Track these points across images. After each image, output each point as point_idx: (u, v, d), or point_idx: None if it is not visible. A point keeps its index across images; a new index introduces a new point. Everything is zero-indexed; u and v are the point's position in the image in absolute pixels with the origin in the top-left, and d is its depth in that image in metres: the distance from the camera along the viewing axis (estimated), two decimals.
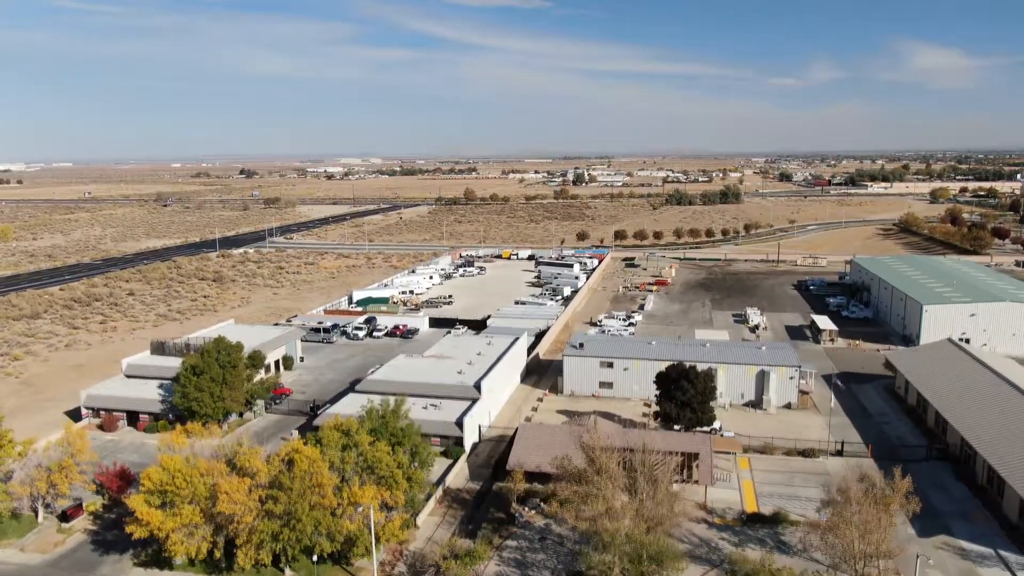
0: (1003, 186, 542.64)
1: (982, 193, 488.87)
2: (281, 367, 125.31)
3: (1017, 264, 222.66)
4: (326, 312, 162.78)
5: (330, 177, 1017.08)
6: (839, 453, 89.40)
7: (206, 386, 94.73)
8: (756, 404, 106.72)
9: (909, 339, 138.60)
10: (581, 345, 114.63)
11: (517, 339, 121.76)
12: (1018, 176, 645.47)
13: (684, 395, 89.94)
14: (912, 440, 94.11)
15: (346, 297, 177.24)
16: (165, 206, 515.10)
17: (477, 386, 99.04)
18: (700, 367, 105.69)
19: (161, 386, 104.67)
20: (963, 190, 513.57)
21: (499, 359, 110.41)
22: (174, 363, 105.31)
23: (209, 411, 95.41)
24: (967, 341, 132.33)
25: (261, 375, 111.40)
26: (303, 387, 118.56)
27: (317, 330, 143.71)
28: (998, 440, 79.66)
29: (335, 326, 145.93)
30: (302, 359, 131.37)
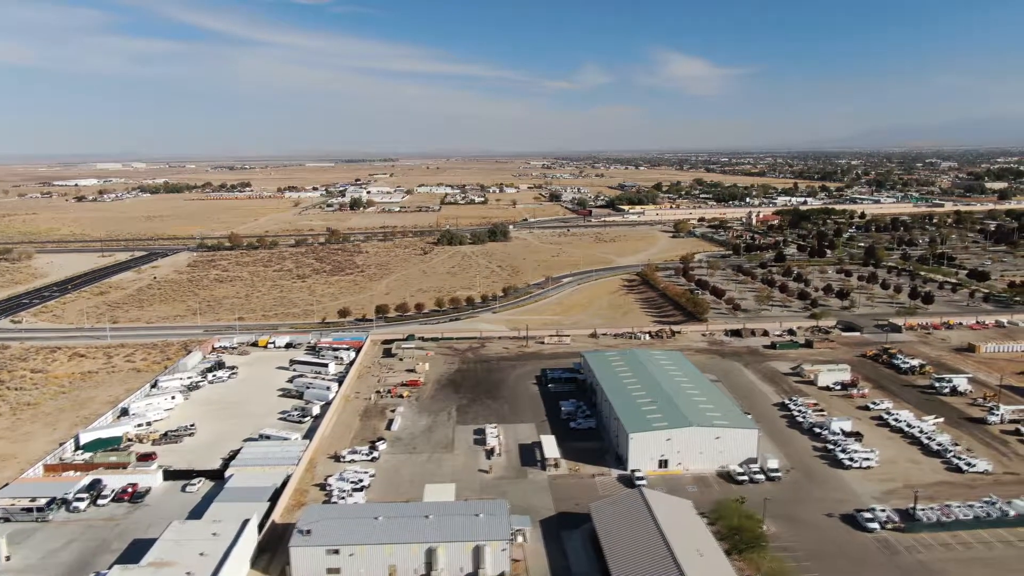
0: (734, 213, 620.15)
1: (716, 223, 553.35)
2: None
3: (726, 333, 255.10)
4: (46, 470, 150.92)
5: (81, 199, 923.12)
6: None
7: None
8: None
9: (621, 459, 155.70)
10: (308, 532, 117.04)
11: (247, 521, 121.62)
12: (747, 199, 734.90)
13: None
14: None
15: (72, 440, 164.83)
16: None
17: None
18: (422, 548, 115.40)
19: None
20: (701, 220, 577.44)
21: (225, 557, 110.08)
22: None
23: None
24: (665, 463, 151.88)
25: None
26: None
27: (30, 509, 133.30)
28: None
29: (52, 500, 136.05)
30: (8, 558, 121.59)
